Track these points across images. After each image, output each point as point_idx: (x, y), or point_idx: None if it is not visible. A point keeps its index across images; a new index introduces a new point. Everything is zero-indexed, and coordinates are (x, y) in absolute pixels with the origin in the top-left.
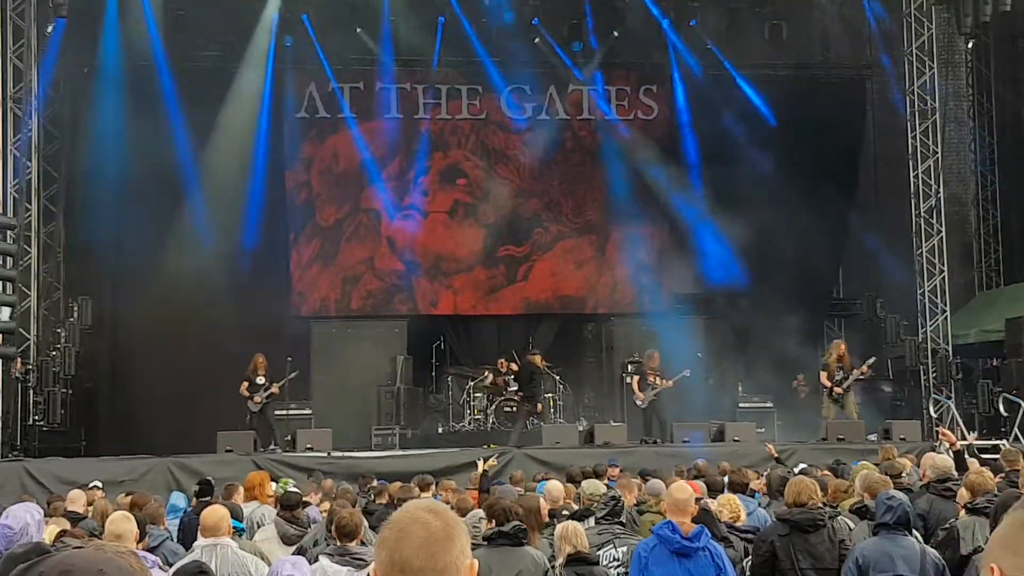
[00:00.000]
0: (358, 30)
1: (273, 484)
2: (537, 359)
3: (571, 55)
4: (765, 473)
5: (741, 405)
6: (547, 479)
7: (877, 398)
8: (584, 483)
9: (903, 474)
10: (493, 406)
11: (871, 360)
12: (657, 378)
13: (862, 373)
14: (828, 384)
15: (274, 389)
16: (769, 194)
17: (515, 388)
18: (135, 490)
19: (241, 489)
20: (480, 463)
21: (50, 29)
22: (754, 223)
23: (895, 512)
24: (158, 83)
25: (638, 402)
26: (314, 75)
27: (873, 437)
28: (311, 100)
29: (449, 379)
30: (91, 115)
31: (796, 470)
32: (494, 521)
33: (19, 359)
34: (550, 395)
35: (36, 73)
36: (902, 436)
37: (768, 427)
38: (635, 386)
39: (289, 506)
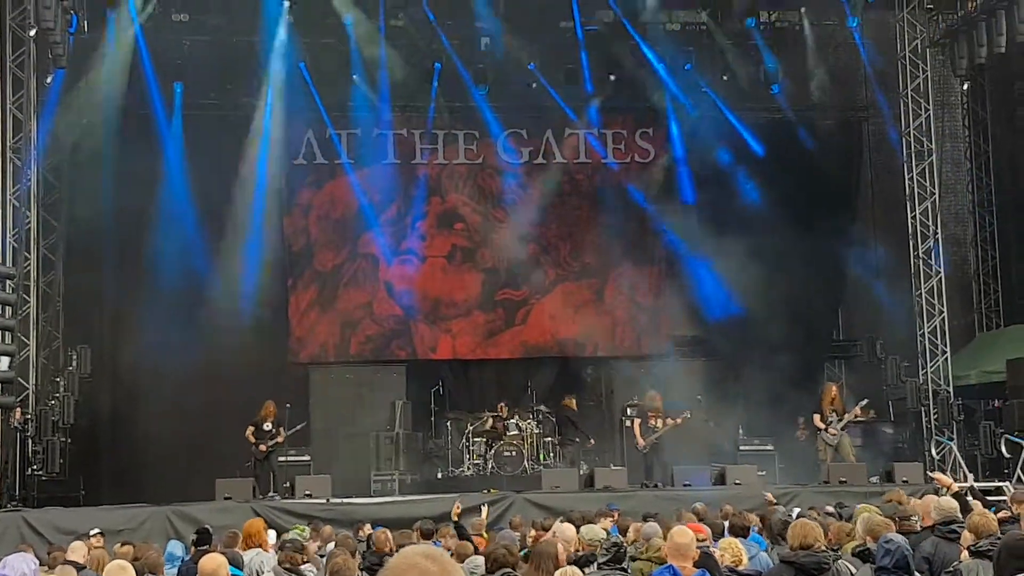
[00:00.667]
0: (355, 77)
1: (273, 532)
2: (571, 403)
3: (567, 99)
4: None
5: (742, 448)
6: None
7: (878, 440)
8: (584, 528)
9: (912, 517)
10: (492, 451)
11: (863, 402)
12: (659, 420)
13: (855, 416)
14: (821, 426)
15: (280, 438)
16: (767, 236)
17: (550, 436)
18: (133, 539)
19: (241, 537)
20: (484, 510)
21: (49, 80)
22: (753, 265)
23: (893, 556)
24: (157, 132)
25: (639, 446)
26: (312, 122)
27: (875, 479)
28: (309, 147)
29: (448, 424)
30: (91, 164)
31: (794, 513)
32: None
33: (18, 408)
34: (550, 439)
35: (35, 123)
36: (904, 478)
37: (769, 470)
38: (636, 430)
39: (292, 552)
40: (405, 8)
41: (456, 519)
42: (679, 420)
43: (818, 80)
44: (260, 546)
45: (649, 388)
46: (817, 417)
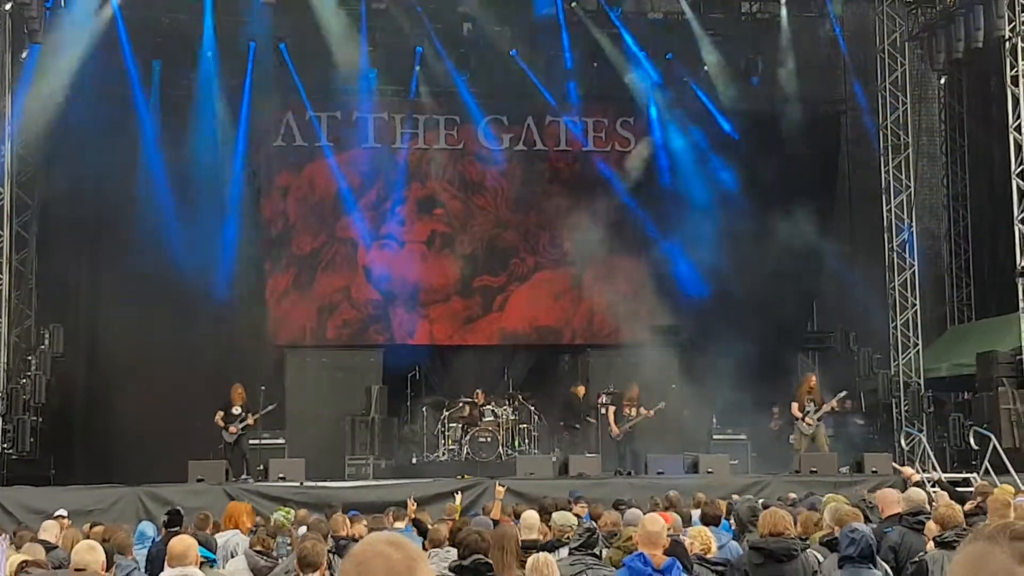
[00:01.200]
0: (335, 55)
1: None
2: (579, 391)
3: (549, 87)
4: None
5: (715, 437)
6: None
7: (849, 431)
8: (555, 514)
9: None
10: (468, 436)
11: (842, 394)
12: (633, 410)
13: (832, 407)
14: (799, 415)
15: (250, 421)
16: (744, 227)
17: (563, 421)
18: (104, 520)
19: (210, 518)
20: (457, 496)
21: (25, 55)
22: (729, 255)
23: (858, 545)
24: (133, 110)
25: (613, 434)
26: (291, 104)
27: (845, 470)
28: (288, 129)
29: (424, 409)
30: (65, 142)
31: (760, 503)
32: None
33: None
34: (525, 426)
35: (10, 99)
36: (874, 469)
37: (742, 459)
38: (610, 417)
39: (265, 535)
40: None
41: (412, 516)
42: (652, 412)
43: (797, 72)
44: (238, 528)
45: (623, 378)
46: (795, 406)
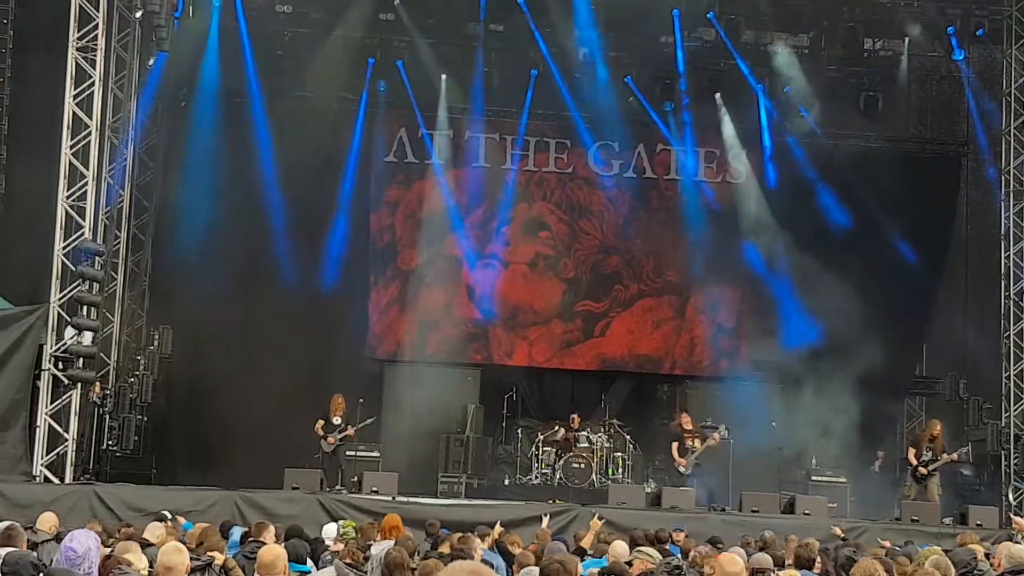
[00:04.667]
0: (443, 77)
1: (335, 526)
2: (685, 421)
3: (662, 114)
4: (831, 551)
5: (814, 478)
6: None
7: (955, 481)
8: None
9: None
10: (561, 461)
11: (964, 450)
12: (695, 441)
13: (951, 459)
14: (914, 462)
15: (349, 432)
16: (855, 266)
17: (620, 451)
18: (200, 522)
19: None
20: (545, 519)
21: (151, 62)
22: (838, 294)
23: None
24: (252, 119)
25: (681, 467)
26: (405, 120)
27: (948, 520)
28: (400, 145)
29: (519, 431)
30: (185, 147)
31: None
32: None
33: (98, 384)
34: (619, 454)
35: (135, 104)
36: (978, 522)
37: (841, 502)
38: (674, 452)
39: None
40: (506, 14)
41: (495, 538)
42: (715, 439)
43: (918, 111)
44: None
45: (722, 411)
46: (912, 452)
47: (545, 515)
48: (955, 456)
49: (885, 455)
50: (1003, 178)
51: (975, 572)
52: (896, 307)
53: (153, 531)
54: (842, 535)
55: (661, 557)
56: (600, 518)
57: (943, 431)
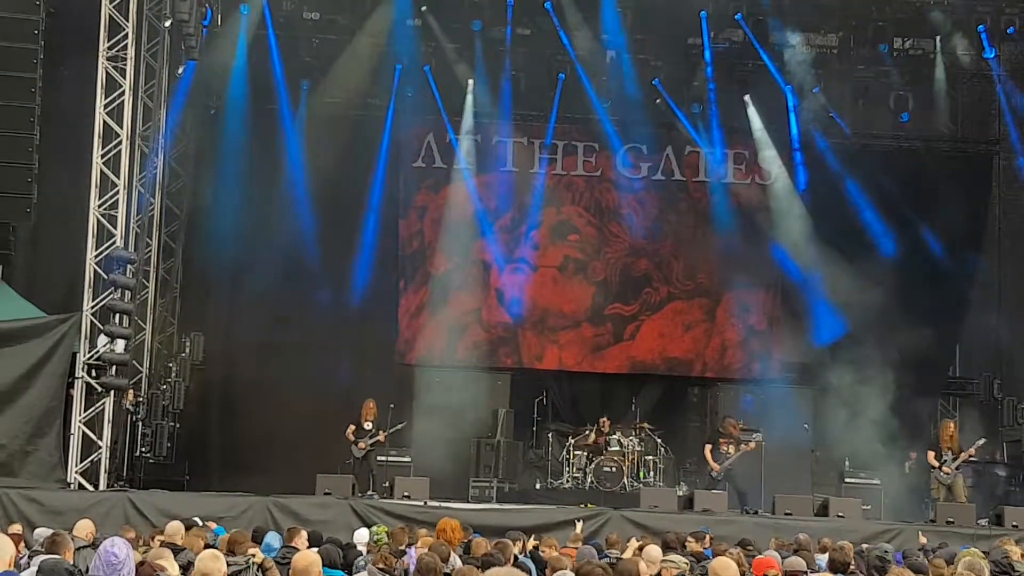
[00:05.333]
0: (470, 81)
1: (367, 531)
2: (733, 428)
3: (690, 117)
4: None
5: (847, 480)
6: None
7: (991, 482)
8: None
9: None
10: (592, 465)
11: (980, 441)
12: (730, 447)
13: (970, 455)
14: (935, 464)
15: (380, 437)
16: (887, 266)
17: (652, 455)
18: (234, 527)
19: (304, 533)
20: (578, 524)
21: (181, 70)
22: (870, 294)
23: None
24: (281, 126)
25: (714, 472)
26: (432, 126)
27: (984, 522)
28: (428, 150)
29: (550, 435)
30: (215, 155)
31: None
32: None
33: (131, 391)
34: (651, 457)
35: (164, 112)
36: (1014, 523)
37: (875, 504)
38: (708, 455)
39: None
40: (533, 17)
41: (529, 547)
42: (751, 446)
43: (949, 110)
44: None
45: (754, 414)
46: (932, 454)
47: (578, 520)
48: (972, 451)
49: (917, 456)
50: None
51: (1013, 574)
52: (929, 307)
53: (174, 533)
54: (925, 542)
55: (686, 562)
56: (639, 539)
57: (956, 429)
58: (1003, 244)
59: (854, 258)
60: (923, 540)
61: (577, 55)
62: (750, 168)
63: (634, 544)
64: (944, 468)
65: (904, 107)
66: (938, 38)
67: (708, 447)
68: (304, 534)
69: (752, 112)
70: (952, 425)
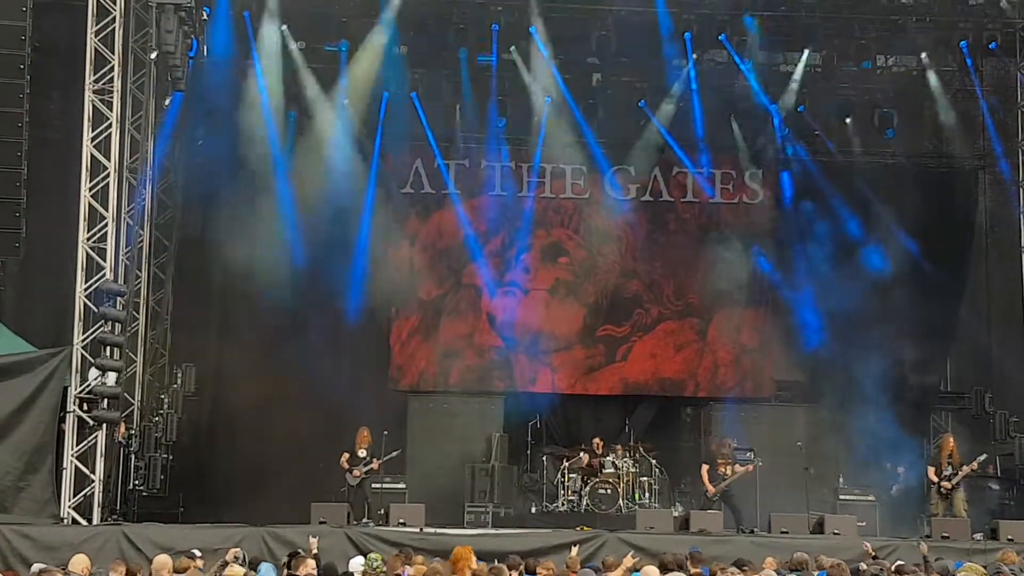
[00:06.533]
0: (457, 107)
1: (362, 559)
2: (726, 446)
3: (677, 137)
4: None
5: (842, 497)
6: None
7: (984, 496)
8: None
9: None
10: (588, 487)
11: (982, 457)
12: (728, 468)
13: (971, 470)
14: (936, 479)
15: (374, 465)
16: (876, 282)
17: (646, 476)
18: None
19: (310, 562)
20: (574, 548)
21: (168, 101)
22: (860, 311)
23: None
24: (269, 156)
25: (709, 493)
26: (420, 152)
27: (979, 536)
28: (417, 176)
29: (544, 458)
30: (203, 186)
31: (893, 567)
32: None
33: (123, 424)
34: (646, 479)
35: (152, 144)
36: (1009, 536)
37: (870, 521)
38: (704, 477)
39: None
40: (518, 42)
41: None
42: (749, 467)
43: (933, 126)
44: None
45: (746, 432)
46: (932, 470)
47: (574, 544)
48: (974, 465)
49: (906, 471)
50: (1020, 190)
51: None
52: (919, 323)
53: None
54: (872, 553)
55: None
56: (634, 556)
57: (957, 444)
58: (991, 258)
59: (843, 275)
60: (924, 549)
61: (563, 78)
62: (737, 187)
63: (629, 562)
64: (944, 484)
65: (889, 124)
66: (921, 55)
67: (705, 468)
68: (311, 562)
69: (737, 131)
70: (952, 440)
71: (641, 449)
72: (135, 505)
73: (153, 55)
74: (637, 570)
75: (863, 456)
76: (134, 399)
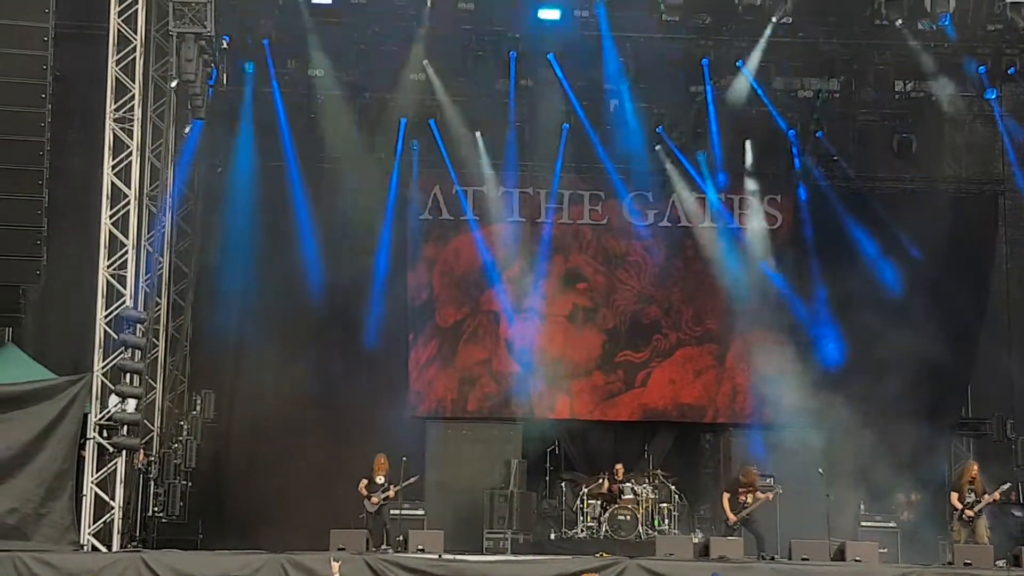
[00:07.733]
0: (476, 133)
1: None
2: (749, 474)
3: (694, 163)
4: None
5: (863, 524)
6: None
7: (1007, 523)
8: None
9: None
10: (607, 514)
11: (1005, 486)
12: (749, 496)
13: (994, 499)
14: (959, 506)
15: (391, 493)
16: (896, 308)
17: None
18: None
19: None
20: (594, 574)
21: (187, 129)
22: (880, 337)
23: None
24: (288, 183)
25: (730, 522)
26: (439, 178)
27: (1002, 563)
28: (435, 202)
29: (563, 484)
30: (222, 213)
31: None
32: None
33: (143, 451)
34: (665, 505)
35: (172, 172)
36: None
37: (891, 548)
38: (725, 504)
39: None
40: (536, 69)
41: None
42: (770, 496)
43: (952, 151)
44: None
45: (764, 459)
46: (955, 496)
47: (594, 571)
48: (997, 495)
49: (916, 499)
50: None
51: None
52: (939, 348)
53: None
54: None
55: None
56: None
57: (980, 471)
58: (1011, 282)
59: (862, 300)
60: None
61: (581, 105)
62: (755, 212)
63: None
64: (967, 511)
65: (907, 149)
66: (939, 80)
67: (726, 496)
68: None
69: (756, 158)
70: (975, 466)
71: (660, 475)
72: (154, 532)
73: (173, 84)
74: None
75: (883, 483)
76: (153, 426)
